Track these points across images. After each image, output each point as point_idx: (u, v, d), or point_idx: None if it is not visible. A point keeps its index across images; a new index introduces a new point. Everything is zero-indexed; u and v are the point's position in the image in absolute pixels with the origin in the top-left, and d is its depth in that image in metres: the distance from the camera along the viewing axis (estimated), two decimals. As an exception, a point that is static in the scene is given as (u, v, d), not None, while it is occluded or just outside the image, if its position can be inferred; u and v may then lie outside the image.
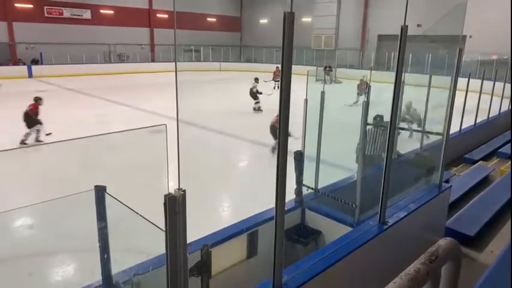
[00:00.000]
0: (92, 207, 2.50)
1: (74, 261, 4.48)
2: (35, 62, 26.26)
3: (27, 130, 9.76)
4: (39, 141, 9.87)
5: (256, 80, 15.10)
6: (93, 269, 2.70)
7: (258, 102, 14.63)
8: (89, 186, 2.46)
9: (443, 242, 1.62)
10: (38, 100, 10.45)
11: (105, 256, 2.55)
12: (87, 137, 2.27)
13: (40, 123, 9.98)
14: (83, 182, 2.63)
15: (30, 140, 9.73)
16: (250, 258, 3.37)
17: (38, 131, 9.93)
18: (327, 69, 23.29)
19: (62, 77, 23.62)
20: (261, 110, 14.41)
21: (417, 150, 6.01)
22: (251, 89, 14.76)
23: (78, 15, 29.38)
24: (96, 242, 2.55)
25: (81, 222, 3.46)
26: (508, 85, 11.83)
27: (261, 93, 14.57)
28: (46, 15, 27.80)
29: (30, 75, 24.42)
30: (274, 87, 17.59)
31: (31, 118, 9.91)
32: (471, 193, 5.97)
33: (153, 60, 32.14)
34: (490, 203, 5.39)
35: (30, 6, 27.06)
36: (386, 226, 3.34)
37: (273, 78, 17.18)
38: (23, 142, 9.48)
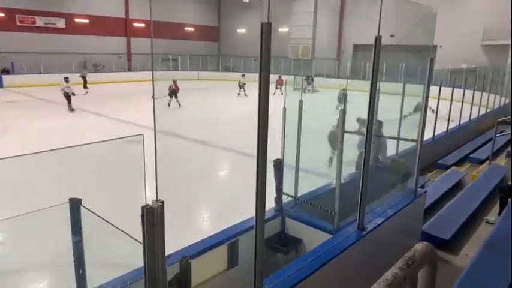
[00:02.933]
0: (67, 220, 2.43)
1: (47, 278, 4.31)
2: (6, 71, 25.44)
3: (169, 99, 17.06)
4: (180, 104, 17.20)
5: (243, 75, 23.13)
6: (68, 285, 2.61)
7: (240, 91, 22.30)
8: (63, 200, 2.39)
9: (420, 247, 1.65)
10: (175, 81, 17.29)
11: (80, 271, 2.47)
12: (61, 148, 2.21)
13: (176, 95, 17.15)
14: (56, 195, 2.54)
15: (173, 104, 17.03)
16: (231, 269, 3.34)
17: (177, 100, 17.13)
18: (309, 79, 23.93)
19: (34, 87, 22.95)
20: (246, 95, 21.45)
21: (393, 157, 6.14)
22: (239, 81, 22.77)
23: (52, 23, 28.75)
24: (71, 256, 2.46)
25: (55, 236, 3.34)
26: (477, 93, 12.32)
27: (244, 83, 22.30)
28: (18, 23, 27.05)
29: (1, 85, 23.64)
30: (274, 93, 19.27)
31: (174, 92, 17.08)
32: (445, 198, 6.14)
33: (129, 70, 31.73)
34: (463, 207, 5.56)
35: (1, 14, 26.29)
36: (365, 232, 3.39)
37: (276, 85, 20.97)
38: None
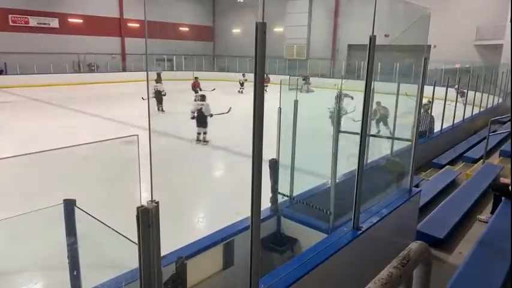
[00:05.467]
0: (61, 222, 2.41)
1: (42, 279, 4.28)
2: (-1, 72, 25.29)
3: (195, 94, 16.08)
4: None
5: (243, 74, 25.12)
6: (62, 286, 2.59)
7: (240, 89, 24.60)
8: (57, 201, 2.37)
9: (414, 246, 1.66)
10: (196, 78, 20.35)
11: (75, 273, 2.45)
12: (55, 149, 2.20)
13: (198, 92, 16.56)
14: (50, 196, 2.53)
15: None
16: (227, 269, 3.33)
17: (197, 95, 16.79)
18: (306, 78, 24.15)
19: (28, 88, 22.80)
20: (242, 93, 23.95)
21: (388, 156, 6.17)
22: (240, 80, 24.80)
23: (45, 23, 28.56)
24: (66, 258, 2.45)
25: (50, 238, 3.32)
26: (471, 92, 12.42)
27: (246, 79, 24.54)
28: (11, 23, 26.84)
29: (-6, 85, 23.47)
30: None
31: (195, 88, 18.92)
32: (440, 196, 6.18)
33: (124, 70, 31.59)
34: (457, 206, 5.59)
35: (-6, 14, 26.10)
36: (360, 232, 3.40)
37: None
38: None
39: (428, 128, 9.21)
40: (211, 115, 10.91)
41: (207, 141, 10.68)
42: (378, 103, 11.11)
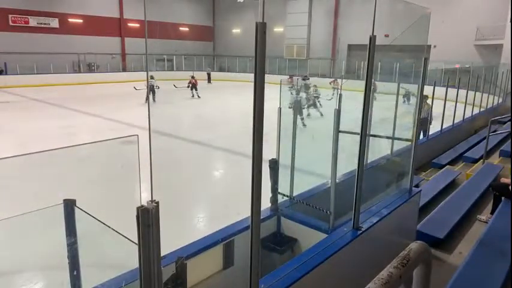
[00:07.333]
0: (61, 222, 2.41)
1: (42, 279, 4.28)
2: (-1, 72, 25.29)
3: (192, 92, 21.26)
4: (199, 96, 21.48)
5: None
6: (62, 286, 2.59)
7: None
8: (57, 201, 2.37)
9: (415, 246, 1.66)
10: (193, 77, 21.74)
11: (75, 273, 2.45)
12: (55, 149, 2.20)
13: (196, 88, 21.68)
14: (50, 196, 2.53)
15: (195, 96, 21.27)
16: (227, 269, 3.33)
17: (196, 92, 21.50)
18: (305, 78, 24.06)
19: (28, 87, 22.81)
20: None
21: (388, 156, 6.16)
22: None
23: (46, 23, 28.56)
24: (65, 258, 2.45)
25: (50, 238, 3.32)
26: (471, 92, 12.41)
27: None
28: (11, 23, 26.85)
29: (-6, 85, 23.48)
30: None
31: (194, 85, 21.32)
32: (440, 196, 6.17)
33: (124, 70, 31.59)
34: (457, 206, 5.59)
35: (-6, 14, 26.09)
36: (360, 231, 3.40)
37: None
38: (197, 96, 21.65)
39: (429, 114, 9.52)
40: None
41: (305, 125, 11.98)
42: (314, 86, 14.48)
